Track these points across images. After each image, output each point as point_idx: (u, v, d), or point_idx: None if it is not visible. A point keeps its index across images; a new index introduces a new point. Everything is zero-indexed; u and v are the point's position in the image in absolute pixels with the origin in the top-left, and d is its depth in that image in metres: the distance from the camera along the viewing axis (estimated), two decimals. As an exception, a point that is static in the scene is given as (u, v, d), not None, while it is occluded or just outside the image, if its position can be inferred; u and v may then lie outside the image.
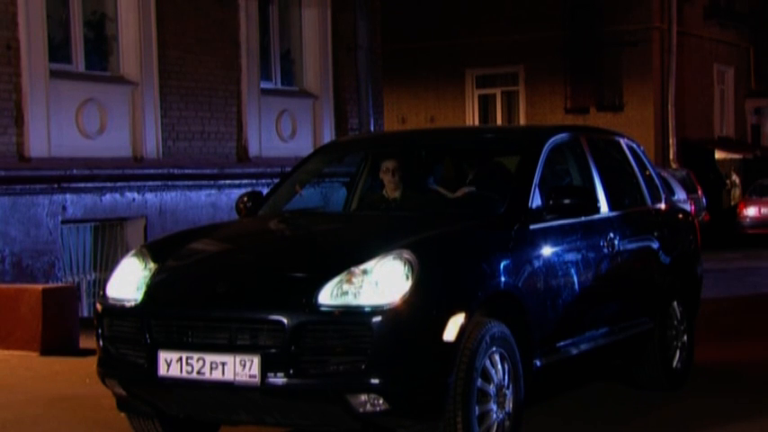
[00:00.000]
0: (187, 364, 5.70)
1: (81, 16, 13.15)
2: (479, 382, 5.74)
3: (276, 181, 15.16)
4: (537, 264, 6.41)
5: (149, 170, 13.49)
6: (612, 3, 26.67)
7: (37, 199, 12.22)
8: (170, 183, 13.74)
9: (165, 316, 5.88)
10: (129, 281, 6.13)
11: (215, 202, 14.37)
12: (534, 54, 27.45)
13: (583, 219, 6.97)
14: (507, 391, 5.97)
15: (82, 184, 12.67)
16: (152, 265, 6.15)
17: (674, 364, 8.12)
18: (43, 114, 12.30)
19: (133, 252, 6.36)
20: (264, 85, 15.53)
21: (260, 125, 15.20)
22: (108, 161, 13.06)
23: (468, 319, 5.65)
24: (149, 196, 13.51)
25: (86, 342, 10.44)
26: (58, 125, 12.51)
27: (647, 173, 8.40)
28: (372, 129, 16.67)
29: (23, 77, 12.13)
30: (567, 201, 6.67)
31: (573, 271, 6.80)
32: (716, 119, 30.53)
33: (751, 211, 24.98)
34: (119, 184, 13.13)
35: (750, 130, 32.74)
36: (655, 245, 7.97)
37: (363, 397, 5.45)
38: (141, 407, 6.17)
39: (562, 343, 6.66)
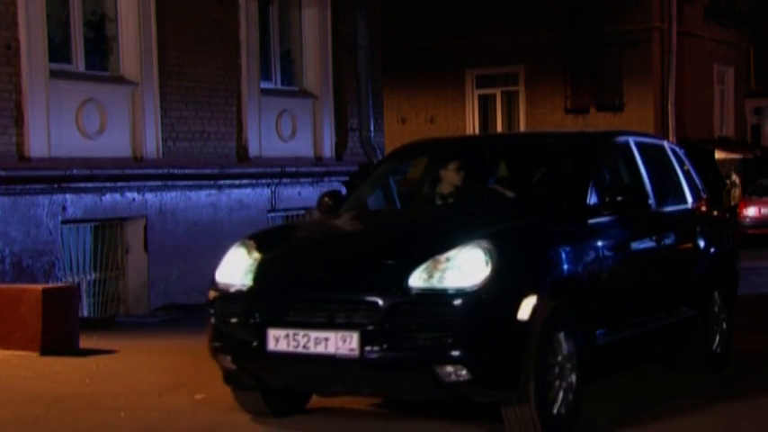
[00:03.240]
0: (293, 339, 6.49)
1: (81, 16, 13.14)
2: (548, 357, 6.47)
3: (276, 181, 15.25)
4: (595, 254, 7.15)
5: (149, 170, 13.49)
6: (612, 3, 26.66)
7: (37, 199, 12.22)
8: (170, 183, 13.74)
9: (274, 298, 6.70)
10: (236, 268, 6.91)
11: (215, 202, 14.37)
12: (534, 54, 27.44)
13: (634, 215, 7.65)
14: (570, 366, 6.67)
15: (82, 184, 12.67)
16: (256, 255, 6.94)
17: (715, 348, 8.74)
18: (43, 114, 12.30)
19: (238, 243, 7.12)
20: (264, 85, 15.53)
21: (260, 125, 15.20)
22: (108, 161, 13.05)
23: (538, 301, 6.40)
24: (149, 196, 13.51)
25: (86, 342, 10.45)
26: (58, 125, 12.51)
27: (689, 174, 9.13)
28: (372, 129, 16.66)
29: (23, 77, 12.13)
30: (620, 198, 7.43)
31: (626, 261, 7.55)
32: (716, 119, 30.53)
33: (751, 211, 24.99)
34: (119, 184, 13.13)
35: (750, 130, 32.74)
36: (697, 239, 8.71)
37: (449, 368, 6.21)
38: (247, 380, 6.96)
39: (617, 326, 7.35)
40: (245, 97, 14.98)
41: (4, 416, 7.61)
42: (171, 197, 13.79)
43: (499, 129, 28.82)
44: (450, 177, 8.25)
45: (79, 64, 13.12)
